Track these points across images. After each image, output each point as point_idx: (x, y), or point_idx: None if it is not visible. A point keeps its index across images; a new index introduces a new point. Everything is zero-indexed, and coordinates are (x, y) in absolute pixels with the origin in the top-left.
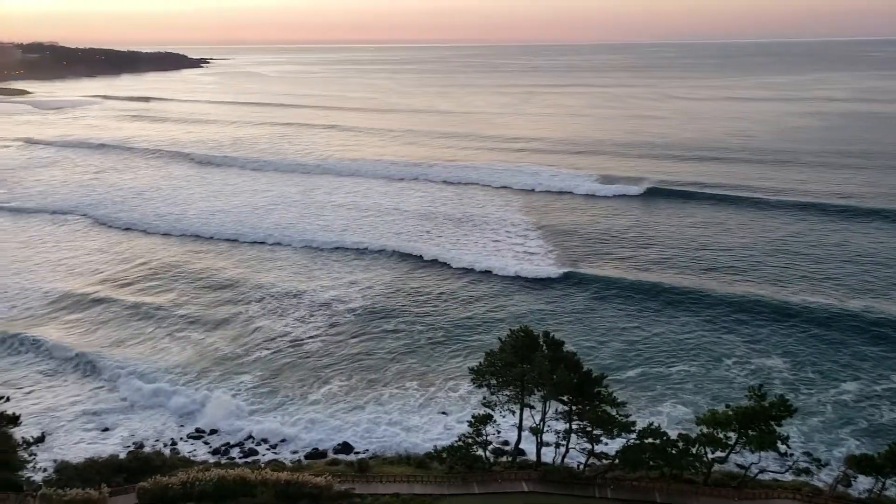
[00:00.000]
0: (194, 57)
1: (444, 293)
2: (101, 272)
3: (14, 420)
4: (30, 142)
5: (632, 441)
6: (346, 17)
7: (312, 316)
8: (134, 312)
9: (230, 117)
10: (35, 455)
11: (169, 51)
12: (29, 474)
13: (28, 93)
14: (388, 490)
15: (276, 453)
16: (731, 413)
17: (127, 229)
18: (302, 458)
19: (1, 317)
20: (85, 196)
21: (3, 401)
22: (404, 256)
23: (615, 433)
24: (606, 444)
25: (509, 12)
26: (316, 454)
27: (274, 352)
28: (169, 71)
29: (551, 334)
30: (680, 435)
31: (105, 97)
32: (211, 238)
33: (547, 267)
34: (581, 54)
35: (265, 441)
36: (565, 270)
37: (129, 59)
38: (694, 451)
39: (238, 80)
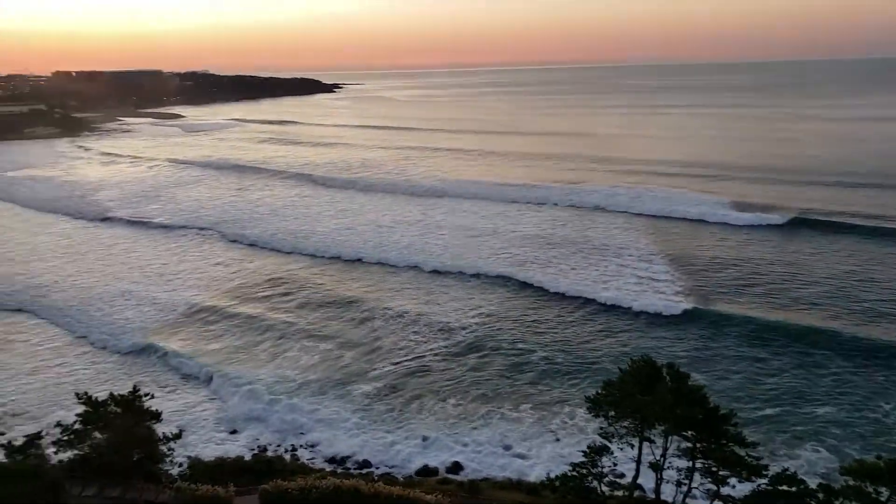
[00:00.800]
0: (328, 82)
1: (563, 321)
2: (229, 286)
3: (156, 416)
4: (179, 161)
5: (763, 486)
6: (473, 40)
7: (430, 336)
8: (257, 326)
9: (358, 140)
10: (172, 450)
11: (305, 77)
12: (167, 468)
13: (182, 116)
14: None
15: (389, 467)
16: (883, 465)
17: (253, 245)
18: (413, 474)
19: (144, 326)
20: (223, 213)
21: (147, 398)
22: (522, 282)
23: (744, 476)
24: (734, 486)
25: (628, 29)
26: (427, 471)
27: (391, 369)
28: (304, 95)
29: (675, 366)
30: (820, 485)
31: (245, 121)
32: (334, 257)
33: (674, 300)
34: (701, 74)
35: (378, 454)
36: (694, 305)
37: (270, 85)
38: None
39: (368, 104)
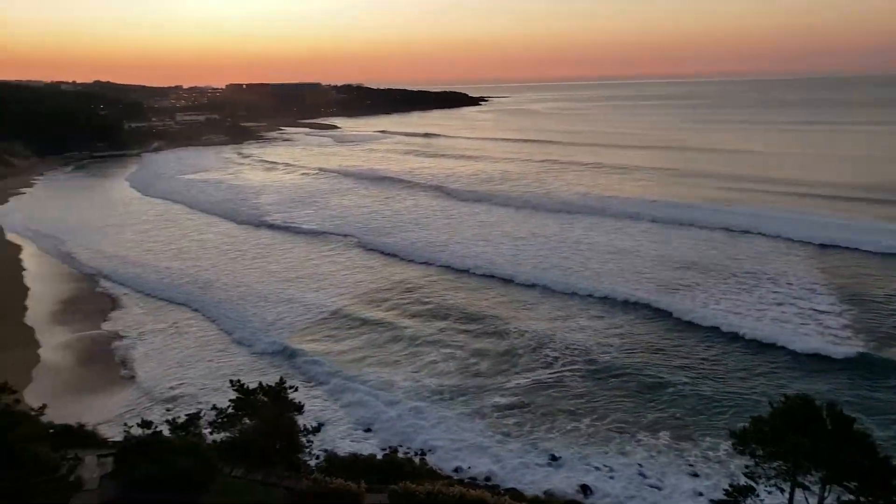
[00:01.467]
0: (474, 95)
1: (709, 351)
2: (366, 293)
3: (299, 408)
4: (329, 170)
5: None
6: (616, 51)
7: (564, 355)
8: (391, 332)
9: (500, 153)
10: (311, 442)
11: (452, 90)
12: (305, 458)
13: (337, 127)
14: None
15: (515, 483)
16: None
17: (392, 254)
18: (541, 493)
19: (289, 324)
20: (365, 222)
21: (292, 390)
22: (664, 307)
23: None
24: None
25: (787, 40)
26: (555, 492)
27: (523, 384)
28: (451, 108)
29: (838, 406)
30: None
31: (393, 133)
32: (467, 270)
33: (840, 340)
34: (855, 87)
35: (505, 468)
36: (865, 349)
37: (419, 98)
38: None
39: (512, 116)
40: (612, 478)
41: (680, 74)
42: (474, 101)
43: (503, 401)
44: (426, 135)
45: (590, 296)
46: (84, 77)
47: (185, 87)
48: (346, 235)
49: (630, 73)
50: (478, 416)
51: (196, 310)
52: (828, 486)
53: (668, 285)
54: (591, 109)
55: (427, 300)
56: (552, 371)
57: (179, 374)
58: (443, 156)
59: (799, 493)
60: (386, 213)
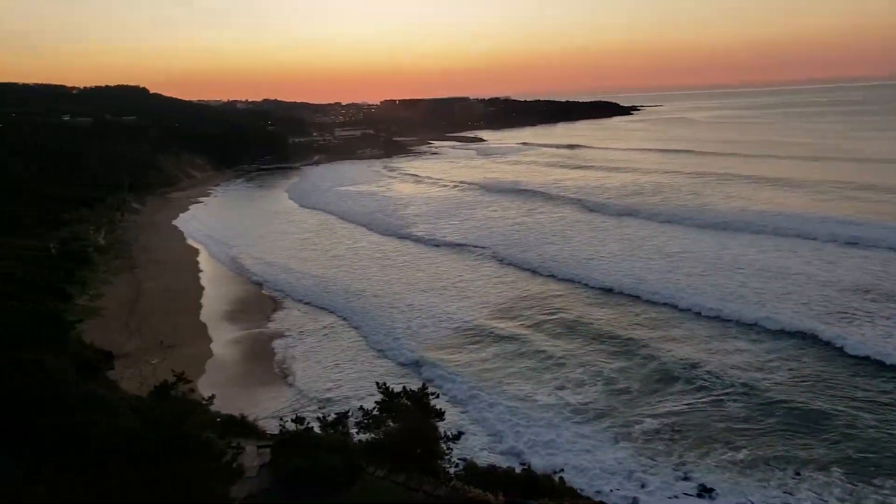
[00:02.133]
0: (625, 105)
1: (890, 393)
2: (502, 307)
3: (440, 414)
4: (471, 183)
5: None
6: (790, 54)
7: (720, 382)
8: (530, 349)
9: (650, 165)
10: (451, 450)
11: (601, 100)
12: (445, 465)
13: (483, 140)
14: None
15: None
16: None
17: (532, 270)
18: None
19: (427, 337)
20: (505, 235)
21: (433, 397)
22: (836, 340)
23: None
24: None
25: None
26: None
27: (673, 410)
28: (600, 119)
29: None
30: None
31: (538, 145)
32: (610, 289)
33: None
34: None
35: (654, 495)
36: None
37: (566, 109)
38: None
39: (666, 126)
40: None
41: (839, 78)
42: (625, 111)
43: (652, 424)
44: (571, 146)
45: (752, 324)
46: (255, 96)
47: (343, 103)
48: (484, 247)
49: (789, 79)
50: (623, 438)
51: (344, 318)
52: None
53: (840, 312)
54: (752, 118)
55: (566, 318)
56: (706, 396)
57: (333, 375)
58: (588, 168)
59: None
60: (526, 227)
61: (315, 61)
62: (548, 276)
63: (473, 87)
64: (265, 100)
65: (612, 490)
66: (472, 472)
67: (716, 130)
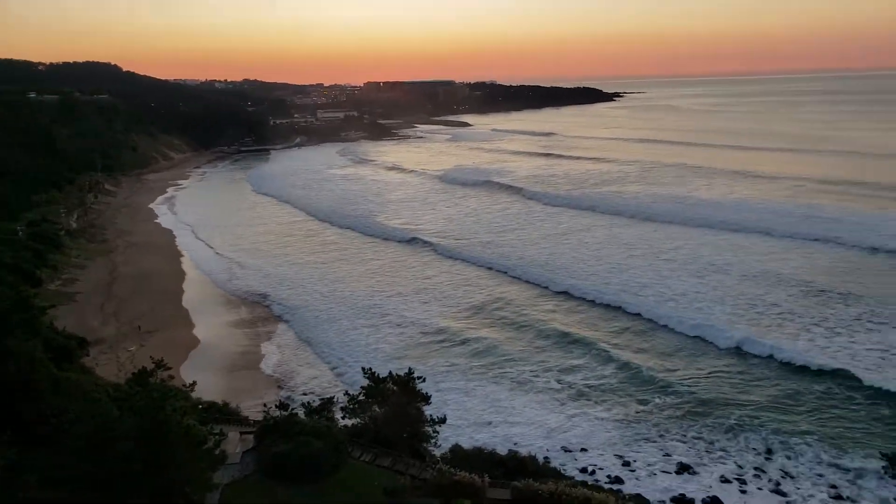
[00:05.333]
0: (608, 91)
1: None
2: (468, 311)
3: (426, 399)
4: (452, 170)
5: None
6: (781, 44)
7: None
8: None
9: (629, 154)
10: (437, 433)
11: (585, 86)
12: (431, 448)
13: (468, 124)
14: None
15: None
16: None
17: (508, 273)
18: (668, 499)
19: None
20: (475, 231)
21: (420, 381)
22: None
23: None
24: None
25: None
26: (682, 500)
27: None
28: (584, 105)
29: None
30: None
31: (519, 131)
32: (583, 298)
33: None
34: None
35: (633, 471)
36: None
37: (552, 95)
38: None
39: (647, 113)
40: (744, 492)
41: (830, 68)
42: (608, 98)
43: (629, 412)
44: (548, 134)
45: (759, 355)
46: (234, 76)
47: (326, 84)
48: (426, 243)
49: (777, 68)
50: (610, 422)
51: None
52: None
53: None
54: (736, 106)
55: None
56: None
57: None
58: (568, 157)
59: None
60: (492, 225)
61: (296, 41)
62: (513, 276)
63: (459, 71)
64: (245, 80)
65: (592, 468)
66: (459, 454)
67: (694, 119)
